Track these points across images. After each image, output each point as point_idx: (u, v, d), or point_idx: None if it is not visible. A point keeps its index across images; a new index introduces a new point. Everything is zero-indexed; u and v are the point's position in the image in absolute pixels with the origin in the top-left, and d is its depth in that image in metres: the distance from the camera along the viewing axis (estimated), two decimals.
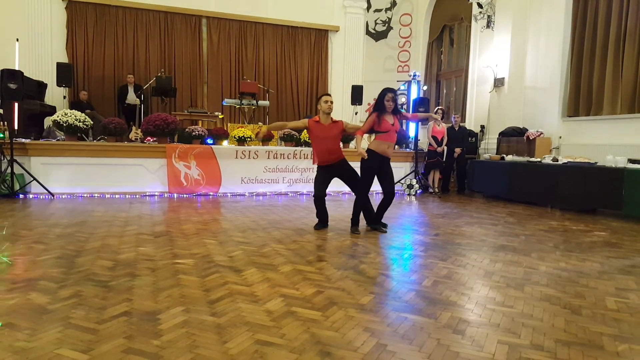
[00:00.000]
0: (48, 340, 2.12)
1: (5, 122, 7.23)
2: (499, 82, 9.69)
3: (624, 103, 7.46)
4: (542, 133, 8.47)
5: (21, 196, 6.98)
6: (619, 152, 6.86)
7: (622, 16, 7.51)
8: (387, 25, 12.80)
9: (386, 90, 4.75)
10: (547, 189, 7.32)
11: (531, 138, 8.47)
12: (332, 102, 4.97)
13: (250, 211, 6.28)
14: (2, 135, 7.11)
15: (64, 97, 9.06)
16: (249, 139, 8.37)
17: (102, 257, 3.63)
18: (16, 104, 7.08)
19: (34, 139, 7.57)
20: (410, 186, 8.94)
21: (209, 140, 8.31)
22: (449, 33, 12.08)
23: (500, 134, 9.30)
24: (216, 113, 10.35)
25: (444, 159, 9.13)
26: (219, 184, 8.09)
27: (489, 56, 9.96)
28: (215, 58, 11.53)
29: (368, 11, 12.69)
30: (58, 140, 7.71)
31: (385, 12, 12.76)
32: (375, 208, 5.04)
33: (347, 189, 5.40)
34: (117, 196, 7.38)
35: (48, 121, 8.45)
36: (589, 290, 3.11)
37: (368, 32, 12.84)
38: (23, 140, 7.20)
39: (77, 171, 7.34)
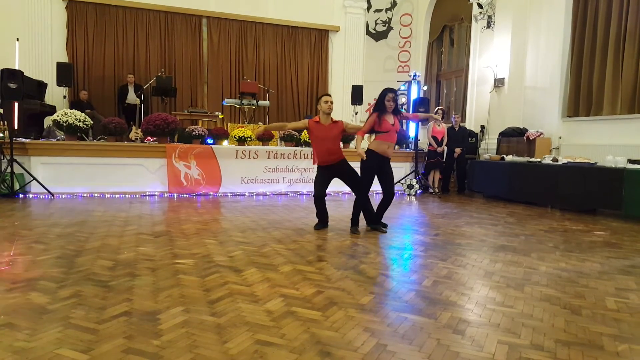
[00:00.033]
0: (48, 340, 2.12)
1: (5, 122, 7.24)
2: (499, 82, 9.69)
3: (624, 103, 7.46)
4: (542, 133, 8.47)
5: (21, 196, 6.98)
6: (619, 152, 6.86)
7: (622, 16, 7.51)
8: (387, 25, 12.81)
9: (387, 91, 4.75)
10: (547, 189, 7.32)
11: (531, 138, 8.47)
12: (332, 103, 4.96)
13: (250, 211, 6.28)
14: (2, 135, 7.11)
15: (64, 97, 9.06)
16: (249, 139, 8.38)
17: (102, 257, 3.63)
18: (16, 104, 7.09)
19: (34, 138, 7.57)
20: (410, 186, 8.94)
21: (209, 140, 8.31)
22: (449, 33, 12.08)
23: (500, 134, 9.30)
24: (216, 113, 10.35)
25: (444, 159, 9.13)
26: (219, 183, 8.09)
27: (489, 56, 9.96)
28: (215, 58, 11.53)
29: (368, 11, 12.69)
30: (58, 140, 7.71)
31: (386, 12, 12.77)
32: (375, 208, 5.05)
33: (347, 189, 5.40)
34: (117, 196, 7.38)
35: (48, 121, 8.45)
36: (589, 291, 3.11)
37: (368, 32, 12.84)
38: (23, 139, 7.20)
39: (77, 171, 7.34)
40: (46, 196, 7.04)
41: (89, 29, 10.48)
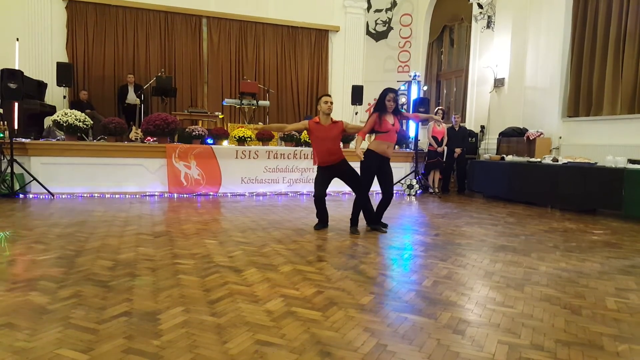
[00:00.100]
0: (48, 340, 2.12)
1: (5, 122, 7.24)
2: (499, 83, 9.69)
3: (624, 103, 7.46)
4: (542, 133, 8.47)
5: (21, 196, 6.98)
6: (619, 152, 6.86)
7: (622, 16, 7.51)
8: (387, 25, 12.81)
9: (387, 91, 4.75)
10: (547, 189, 7.31)
11: (531, 138, 8.48)
12: (332, 103, 4.96)
13: (250, 211, 6.28)
14: (2, 135, 7.11)
15: (64, 97, 9.06)
16: (249, 139, 8.38)
17: (102, 257, 3.63)
18: (16, 104, 7.09)
19: (34, 138, 7.57)
20: (410, 186, 8.94)
21: (209, 140, 8.31)
22: (449, 33, 12.08)
23: (500, 134, 9.30)
24: (216, 113, 10.35)
25: (444, 159, 9.14)
26: (219, 184, 8.09)
27: (489, 56, 9.96)
28: (215, 58, 11.53)
29: (368, 11, 12.69)
30: (58, 140, 7.71)
31: (386, 13, 12.77)
32: (375, 208, 5.04)
33: (347, 189, 5.40)
34: (117, 196, 7.38)
35: (48, 121, 8.45)
36: (589, 291, 3.11)
37: (368, 32, 12.84)
38: (23, 140, 7.20)
39: (77, 171, 7.34)
40: (46, 196, 7.04)
41: (89, 29, 10.48)
